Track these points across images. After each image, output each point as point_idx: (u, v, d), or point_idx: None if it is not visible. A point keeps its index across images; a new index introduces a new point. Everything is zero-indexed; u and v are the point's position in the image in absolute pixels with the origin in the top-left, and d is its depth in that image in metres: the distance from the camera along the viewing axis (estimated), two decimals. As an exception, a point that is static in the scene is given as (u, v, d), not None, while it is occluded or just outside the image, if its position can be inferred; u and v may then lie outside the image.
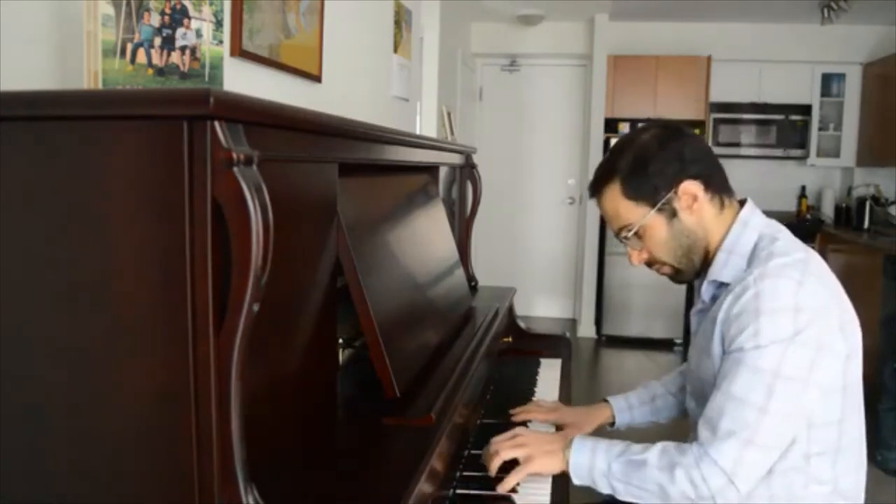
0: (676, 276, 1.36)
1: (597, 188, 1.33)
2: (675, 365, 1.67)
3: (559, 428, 1.58)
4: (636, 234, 1.30)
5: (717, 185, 1.29)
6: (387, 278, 1.31)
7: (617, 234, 1.34)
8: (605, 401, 1.63)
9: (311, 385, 1.03)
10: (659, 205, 1.27)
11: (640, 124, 1.38)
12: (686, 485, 1.15)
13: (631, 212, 1.29)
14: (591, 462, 1.24)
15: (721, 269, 1.28)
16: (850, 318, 1.23)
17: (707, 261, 1.32)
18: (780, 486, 1.21)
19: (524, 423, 1.58)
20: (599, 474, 1.23)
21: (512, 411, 1.61)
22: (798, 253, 1.22)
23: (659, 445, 1.21)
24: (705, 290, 1.32)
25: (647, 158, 1.27)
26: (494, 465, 1.28)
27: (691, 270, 1.34)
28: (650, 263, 1.36)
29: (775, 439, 1.15)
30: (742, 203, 1.32)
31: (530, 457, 1.27)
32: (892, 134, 4.92)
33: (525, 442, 1.30)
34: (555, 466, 1.27)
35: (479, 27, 5.72)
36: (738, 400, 1.14)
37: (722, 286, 1.28)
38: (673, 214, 1.28)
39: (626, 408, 1.62)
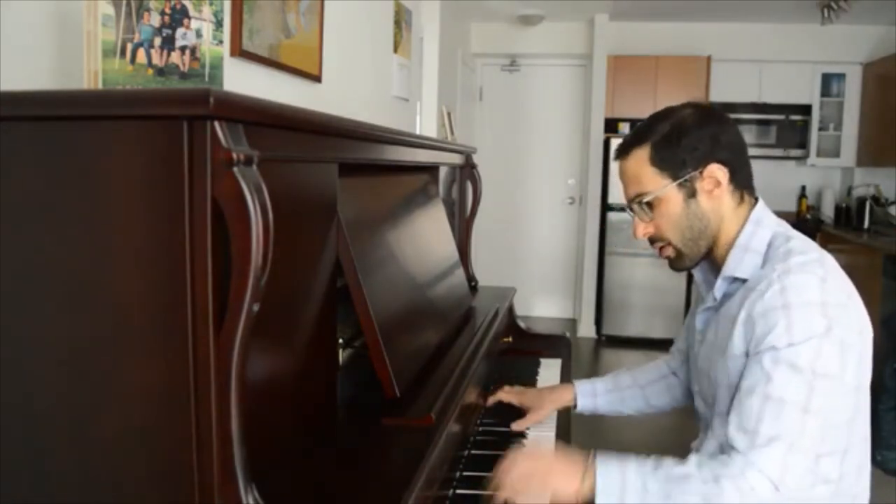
0: (677, 259, 1.33)
1: (625, 149, 1.31)
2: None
3: (522, 413, 1.59)
4: (649, 203, 1.28)
5: (742, 180, 1.28)
6: (387, 278, 1.31)
7: (630, 202, 1.32)
8: (571, 382, 1.63)
9: (311, 385, 1.03)
10: (681, 179, 1.25)
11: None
12: (734, 494, 1.09)
13: (651, 180, 1.27)
14: (621, 482, 1.13)
15: (736, 266, 1.26)
16: (865, 319, 1.22)
17: (712, 253, 1.31)
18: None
19: (507, 415, 1.60)
20: (632, 493, 1.12)
21: (491, 399, 1.64)
22: (814, 252, 1.21)
23: (694, 458, 1.15)
24: (718, 287, 1.30)
25: (682, 131, 1.25)
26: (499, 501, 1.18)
27: (694, 257, 1.31)
28: (654, 240, 1.33)
29: (818, 443, 1.11)
30: (755, 201, 1.31)
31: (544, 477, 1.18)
32: (892, 134, 4.92)
33: (535, 468, 1.21)
34: (570, 489, 1.16)
35: (479, 27, 5.72)
36: (777, 401, 1.10)
37: (735, 283, 1.27)
38: (692, 194, 1.26)
39: (590, 393, 1.61)
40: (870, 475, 1.30)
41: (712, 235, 1.29)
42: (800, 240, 1.24)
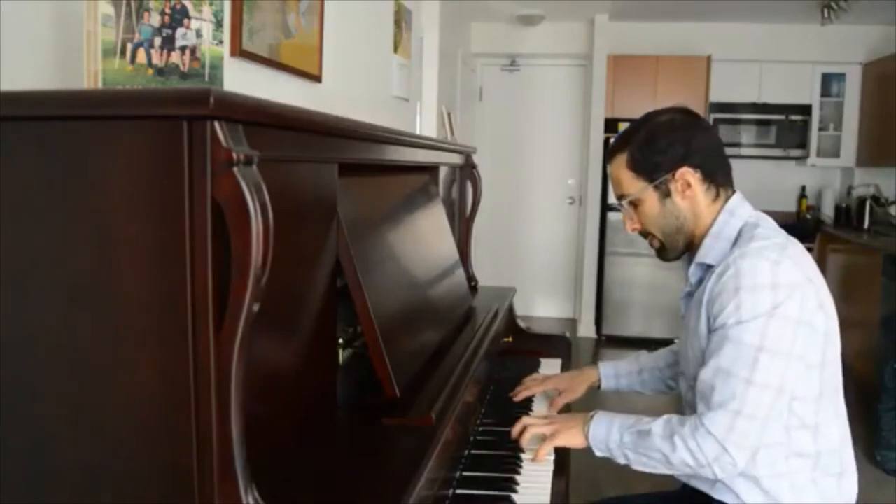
0: (662, 251, 1.45)
1: (611, 153, 1.43)
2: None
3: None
4: (632, 203, 1.40)
5: (717, 179, 1.38)
6: (387, 278, 1.31)
7: (617, 200, 1.44)
8: (595, 365, 1.75)
9: (310, 385, 1.03)
10: (655, 183, 1.36)
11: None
12: (685, 453, 1.23)
13: (630, 183, 1.39)
14: (607, 434, 1.33)
15: (707, 253, 1.36)
16: (826, 298, 1.30)
17: (692, 245, 1.40)
18: (763, 459, 1.28)
19: (527, 407, 1.70)
20: (615, 445, 1.32)
21: (512, 394, 1.72)
22: (777, 238, 1.30)
23: (663, 417, 1.29)
24: (692, 273, 1.40)
25: (656, 137, 1.36)
26: (525, 439, 1.42)
27: (675, 249, 1.43)
28: (644, 234, 1.45)
29: (763, 409, 1.21)
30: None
31: (556, 432, 1.39)
32: (892, 134, 4.92)
33: (553, 420, 1.44)
34: (577, 441, 1.38)
35: (479, 27, 5.72)
36: (725, 373, 1.22)
37: (708, 269, 1.36)
38: (667, 195, 1.37)
39: (612, 374, 1.73)
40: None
41: (689, 230, 1.39)
42: (766, 228, 1.33)
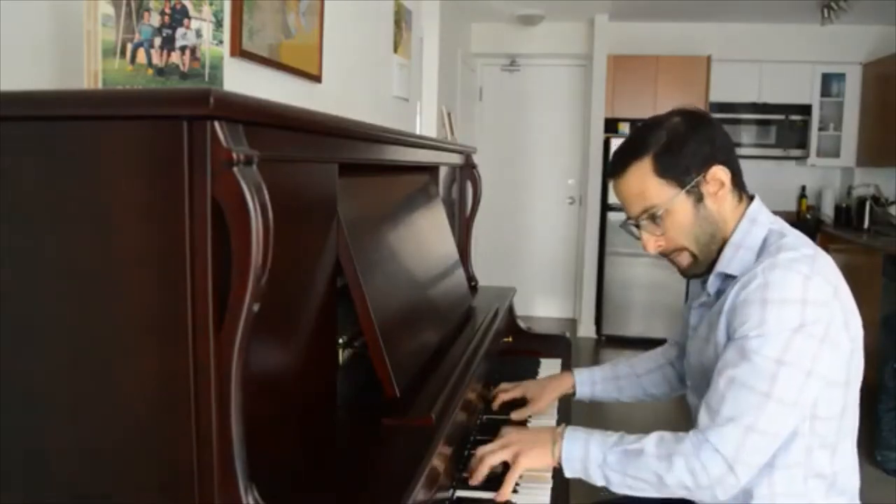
0: (692, 265, 1.32)
1: (623, 165, 1.28)
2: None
3: (523, 402, 1.62)
4: (659, 216, 1.26)
5: (739, 179, 1.30)
6: (387, 278, 1.31)
7: (636, 218, 1.29)
8: (570, 371, 1.67)
9: (310, 385, 1.03)
10: (688, 186, 1.25)
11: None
12: (684, 474, 1.14)
13: (659, 192, 1.25)
14: (584, 453, 1.21)
15: (729, 263, 1.27)
16: (853, 315, 1.23)
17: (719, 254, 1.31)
18: (781, 480, 1.22)
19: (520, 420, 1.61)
20: (594, 465, 1.20)
21: (495, 403, 1.65)
22: (806, 249, 1.22)
23: (655, 435, 1.20)
24: (711, 283, 1.32)
25: (681, 138, 1.25)
26: (481, 474, 1.25)
27: (707, 260, 1.30)
28: (666, 252, 1.32)
29: (776, 426, 1.14)
30: (750, 199, 1.33)
31: (518, 454, 1.25)
32: (892, 134, 4.92)
33: (510, 441, 1.28)
34: (544, 461, 1.25)
35: (479, 27, 5.72)
36: (740, 385, 1.14)
37: (728, 279, 1.28)
38: (699, 199, 1.26)
39: (588, 381, 1.65)
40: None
41: (722, 237, 1.29)
42: (793, 237, 1.26)
